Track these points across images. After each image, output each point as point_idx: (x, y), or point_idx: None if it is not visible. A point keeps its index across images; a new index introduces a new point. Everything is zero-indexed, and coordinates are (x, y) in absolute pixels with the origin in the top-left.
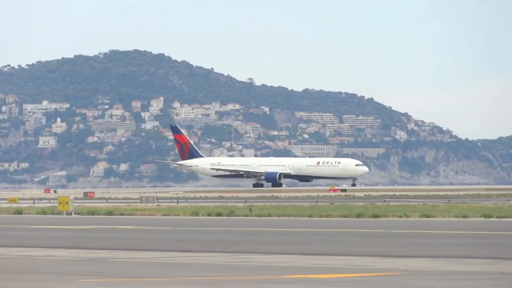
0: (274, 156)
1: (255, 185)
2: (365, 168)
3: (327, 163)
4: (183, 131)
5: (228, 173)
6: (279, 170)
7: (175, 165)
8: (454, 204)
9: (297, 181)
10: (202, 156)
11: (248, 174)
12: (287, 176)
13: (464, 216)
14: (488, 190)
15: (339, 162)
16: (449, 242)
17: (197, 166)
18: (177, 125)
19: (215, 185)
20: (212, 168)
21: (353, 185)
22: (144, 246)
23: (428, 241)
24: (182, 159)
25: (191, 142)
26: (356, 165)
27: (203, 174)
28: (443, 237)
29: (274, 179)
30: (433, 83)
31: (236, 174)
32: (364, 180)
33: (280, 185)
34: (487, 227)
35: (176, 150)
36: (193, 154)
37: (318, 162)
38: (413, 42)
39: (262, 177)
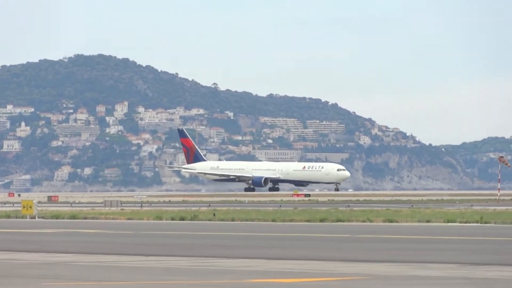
0: (239, 160)
1: (246, 189)
2: (346, 173)
3: (312, 167)
4: (190, 135)
5: (217, 177)
6: (269, 174)
7: (176, 168)
8: (417, 209)
9: (293, 185)
10: (205, 160)
11: (239, 179)
12: (277, 180)
13: (427, 221)
14: (451, 195)
15: (322, 167)
16: (412, 247)
17: (194, 170)
18: (183, 128)
19: (209, 190)
20: (199, 172)
21: (336, 189)
22: (108, 250)
23: (391, 246)
24: (188, 163)
25: (196, 146)
26: (338, 170)
27: (205, 178)
28: (406, 242)
29: (259, 184)
30: (397, 88)
31: (231, 179)
32: (327, 185)
33: (276, 189)
34: (450, 232)
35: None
36: (197, 158)
37: (304, 167)
38: (376, 46)
39: (250, 181)
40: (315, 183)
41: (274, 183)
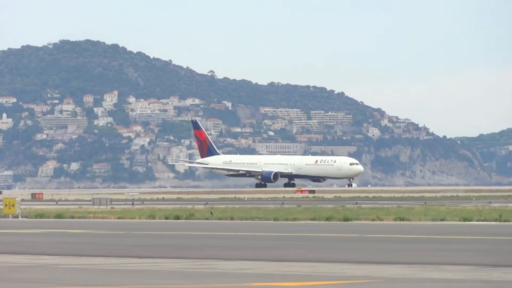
0: (240, 154)
1: (258, 185)
2: (359, 168)
3: (324, 161)
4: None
5: (227, 172)
6: (281, 169)
7: (187, 164)
8: (431, 206)
9: (309, 181)
10: (219, 154)
11: (250, 174)
12: (290, 176)
13: (442, 220)
14: (467, 191)
15: (334, 161)
16: (426, 248)
17: (207, 164)
18: (197, 120)
19: (207, 186)
20: (211, 167)
21: (349, 185)
22: (97, 251)
23: (403, 246)
24: (202, 157)
25: (209, 138)
26: (351, 164)
27: (219, 173)
28: (419, 242)
29: (269, 179)
30: (408, 75)
31: (242, 174)
32: (333, 180)
33: (292, 185)
34: (466, 231)
35: (197, 146)
36: (211, 152)
37: (316, 161)
38: (385, 31)
39: (259, 177)
40: (328, 178)
41: (290, 179)
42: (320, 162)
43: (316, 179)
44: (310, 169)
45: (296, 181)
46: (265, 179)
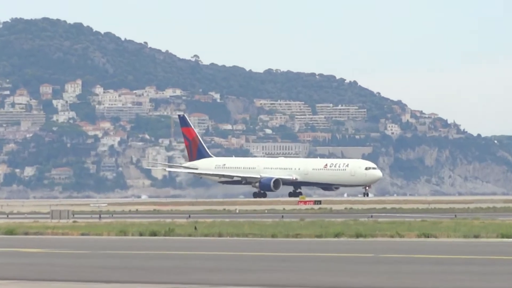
0: (236, 156)
1: (256, 195)
2: (377, 173)
3: (335, 166)
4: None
5: (219, 178)
6: (284, 175)
7: (168, 169)
8: (462, 220)
9: (321, 189)
10: (211, 156)
11: (246, 181)
12: (294, 183)
13: (476, 236)
14: (507, 201)
15: (347, 165)
16: (456, 270)
17: (196, 169)
18: (184, 115)
19: (199, 195)
20: (200, 173)
21: (365, 194)
22: (56, 275)
23: (427, 269)
24: (190, 160)
25: (199, 137)
26: (366, 168)
27: (211, 180)
28: (447, 263)
29: (268, 187)
30: (434, 62)
31: (239, 180)
32: (345, 189)
33: (299, 194)
34: (506, 250)
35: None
36: (202, 154)
37: (326, 165)
38: (407, 9)
39: (257, 184)
40: (340, 186)
41: (296, 187)
42: (330, 166)
43: (328, 187)
44: (318, 175)
45: (304, 189)
46: (263, 187)
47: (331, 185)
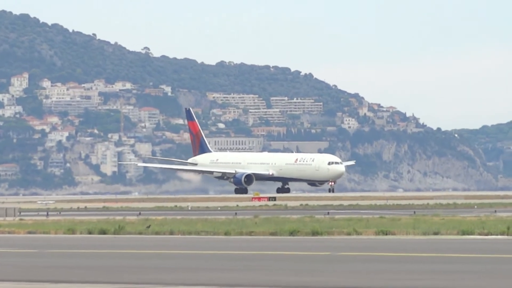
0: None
1: (237, 191)
2: (339, 168)
3: (303, 160)
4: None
5: (212, 175)
6: (261, 170)
7: (165, 166)
8: (421, 217)
9: (308, 185)
10: (211, 151)
11: (224, 176)
12: (271, 178)
13: (436, 233)
14: (467, 197)
15: (312, 160)
16: (415, 269)
17: (196, 165)
18: (190, 108)
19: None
20: (193, 170)
21: (330, 190)
22: (2, 274)
23: (386, 267)
24: (194, 155)
25: (202, 131)
26: (329, 163)
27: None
28: (406, 261)
29: (239, 182)
30: (392, 54)
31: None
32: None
33: (287, 190)
34: (467, 247)
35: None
36: (203, 148)
37: (296, 159)
38: (364, 0)
39: (232, 180)
40: (308, 181)
41: (284, 182)
42: (300, 160)
43: (312, 183)
44: (290, 169)
45: (291, 185)
46: (237, 183)
47: (299, 180)
